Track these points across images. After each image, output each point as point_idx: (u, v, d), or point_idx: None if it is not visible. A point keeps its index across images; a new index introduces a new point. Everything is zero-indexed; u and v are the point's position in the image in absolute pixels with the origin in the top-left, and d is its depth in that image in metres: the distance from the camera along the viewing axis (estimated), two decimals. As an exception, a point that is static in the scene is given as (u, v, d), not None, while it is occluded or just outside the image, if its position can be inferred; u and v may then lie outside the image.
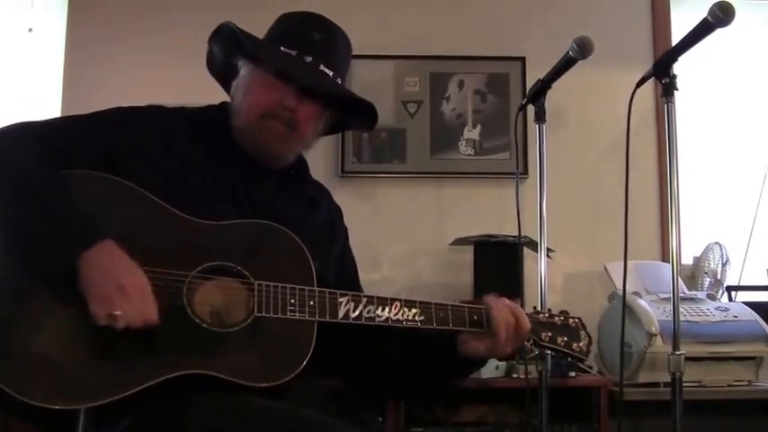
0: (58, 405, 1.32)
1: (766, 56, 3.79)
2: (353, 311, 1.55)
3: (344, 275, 1.80)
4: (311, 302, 1.51)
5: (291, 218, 1.66)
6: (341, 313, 1.53)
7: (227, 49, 1.70)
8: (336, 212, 1.88)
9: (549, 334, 1.69)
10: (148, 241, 1.48)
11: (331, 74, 1.68)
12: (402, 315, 1.57)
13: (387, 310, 1.57)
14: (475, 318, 1.61)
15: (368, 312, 1.55)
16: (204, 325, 1.44)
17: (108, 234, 1.41)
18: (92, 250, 1.38)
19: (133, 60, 3.48)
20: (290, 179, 1.76)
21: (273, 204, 1.69)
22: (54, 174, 1.46)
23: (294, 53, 1.65)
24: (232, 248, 1.52)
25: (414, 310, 1.58)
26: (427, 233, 3.50)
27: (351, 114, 1.80)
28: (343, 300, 1.54)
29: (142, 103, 1.72)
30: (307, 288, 1.52)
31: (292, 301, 1.50)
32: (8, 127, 1.56)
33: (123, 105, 1.69)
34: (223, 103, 1.75)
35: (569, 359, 1.77)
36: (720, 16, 1.87)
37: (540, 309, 1.78)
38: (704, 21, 1.91)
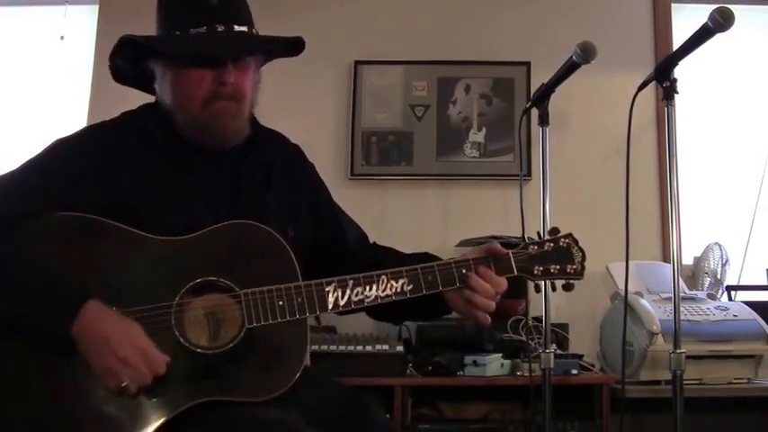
0: None
1: (765, 60, 3.79)
2: (342, 298, 1.52)
3: (325, 227, 1.77)
4: (299, 299, 1.49)
5: (257, 195, 1.65)
6: (330, 303, 1.51)
7: (136, 58, 1.64)
8: (296, 160, 1.82)
9: (541, 267, 1.62)
10: (125, 277, 1.46)
11: (246, 29, 1.60)
12: (390, 289, 1.54)
13: (375, 287, 1.53)
14: (464, 271, 1.58)
15: (356, 295, 1.52)
16: (199, 350, 1.43)
17: (89, 290, 1.40)
18: (81, 319, 1.37)
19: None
20: (244, 150, 1.69)
21: (238, 190, 1.64)
22: (12, 238, 1.42)
23: (204, 29, 1.56)
24: (211, 260, 1.49)
25: (401, 281, 1.54)
26: (433, 234, 3.51)
27: (279, 49, 1.73)
28: (330, 288, 1.51)
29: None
30: (293, 285, 1.49)
31: (281, 303, 1.48)
32: None
33: (59, 138, 1.62)
34: (153, 105, 1.69)
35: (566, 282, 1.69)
36: (720, 21, 1.88)
37: (530, 238, 1.70)
38: (704, 26, 1.93)
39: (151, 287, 1.46)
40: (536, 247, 1.64)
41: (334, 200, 1.85)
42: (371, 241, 1.86)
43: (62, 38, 3.68)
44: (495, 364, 2.82)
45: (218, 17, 1.56)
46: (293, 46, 1.72)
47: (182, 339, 1.43)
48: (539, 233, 1.69)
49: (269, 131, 1.80)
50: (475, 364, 2.81)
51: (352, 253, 1.76)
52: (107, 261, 1.47)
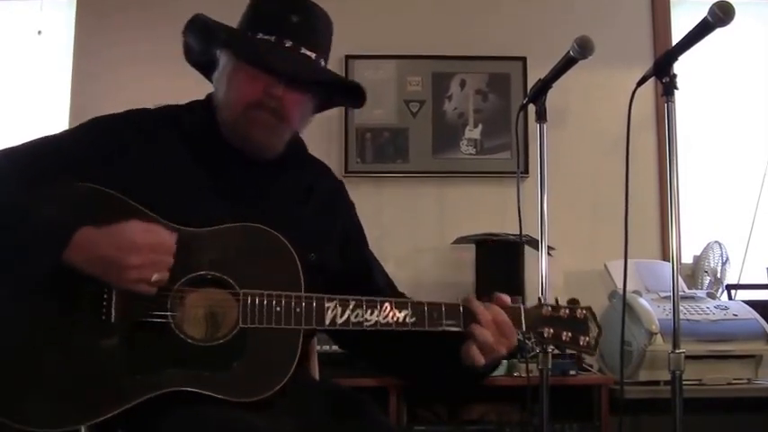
0: (59, 428, 1.37)
1: (766, 55, 3.79)
2: (341, 317, 1.50)
3: (352, 264, 1.75)
4: (297, 309, 1.47)
5: (285, 211, 1.63)
6: (328, 319, 1.49)
7: (204, 41, 1.65)
8: (337, 192, 1.83)
9: (552, 330, 1.56)
10: None
11: (313, 56, 1.59)
12: (392, 317, 1.51)
13: (375, 313, 1.51)
14: (469, 316, 1.53)
15: (355, 317, 1.50)
16: (190, 340, 1.43)
17: (79, 223, 1.38)
18: (70, 248, 1.36)
19: (141, 62, 3.49)
20: (284, 168, 1.69)
21: (266, 200, 1.64)
22: (22, 192, 1.42)
23: (272, 39, 1.56)
24: (218, 256, 1.49)
25: (404, 312, 1.51)
26: (429, 232, 3.50)
27: (338, 93, 1.74)
28: (331, 305, 1.50)
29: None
30: (293, 294, 1.48)
31: (278, 309, 1.47)
32: None
33: (100, 115, 1.63)
34: (209, 96, 1.69)
35: (575, 353, 1.66)
36: (720, 16, 1.86)
37: (545, 300, 1.65)
38: (704, 20, 1.91)
39: None
40: (550, 310, 1.58)
41: (368, 244, 1.84)
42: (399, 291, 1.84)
43: (39, 32, 3.63)
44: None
45: (291, 33, 1.57)
46: (354, 93, 1.71)
47: (173, 326, 1.43)
48: (557, 299, 1.64)
49: (316, 160, 1.83)
50: (470, 364, 2.78)
51: (378, 292, 1.70)
52: None
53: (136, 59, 3.50)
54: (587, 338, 1.56)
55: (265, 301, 1.47)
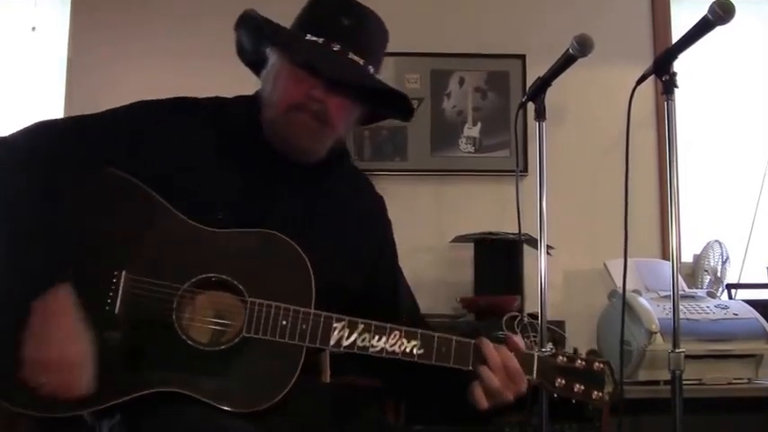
0: (56, 414, 1.38)
1: (766, 54, 3.77)
2: (347, 339, 1.46)
3: (378, 284, 1.71)
4: (303, 325, 1.44)
5: (315, 220, 1.61)
6: (333, 340, 1.45)
7: (254, 38, 1.61)
8: (375, 209, 1.79)
9: (564, 381, 1.50)
10: (148, 247, 1.46)
11: (361, 62, 1.55)
12: (399, 347, 1.46)
13: (383, 339, 1.46)
14: (480, 356, 1.48)
15: (362, 341, 1.46)
16: (190, 342, 1.41)
17: (67, 277, 1.38)
18: (41, 301, 1.35)
19: (136, 57, 3.48)
20: (322, 175, 1.65)
21: (297, 206, 1.61)
22: (44, 204, 1.42)
23: (320, 41, 1.52)
24: (233, 260, 1.47)
25: (413, 342, 1.47)
26: (428, 231, 3.49)
27: (385, 104, 1.67)
28: (338, 325, 1.46)
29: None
30: (301, 310, 1.45)
31: (284, 322, 1.43)
32: (29, 128, 1.54)
33: (146, 99, 1.63)
34: (257, 93, 1.65)
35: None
36: (720, 14, 1.85)
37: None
38: (704, 18, 1.90)
39: (168, 266, 1.45)
40: (565, 359, 1.52)
41: (398, 265, 1.81)
42: (420, 314, 1.81)
43: (33, 29, 3.62)
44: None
45: (341, 37, 1.53)
46: (400, 103, 1.65)
47: (177, 327, 1.42)
48: (575, 349, 1.59)
49: (359, 172, 1.80)
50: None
51: (396, 314, 1.69)
52: (133, 225, 1.47)
53: (131, 55, 3.49)
54: (600, 393, 1.51)
55: (272, 313, 1.44)
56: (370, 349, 1.46)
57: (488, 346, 1.48)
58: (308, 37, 1.53)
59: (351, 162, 1.78)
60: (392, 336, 1.47)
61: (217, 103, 1.65)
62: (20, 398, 1.36)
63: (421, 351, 1.47)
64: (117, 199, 1.48)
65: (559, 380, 1.50)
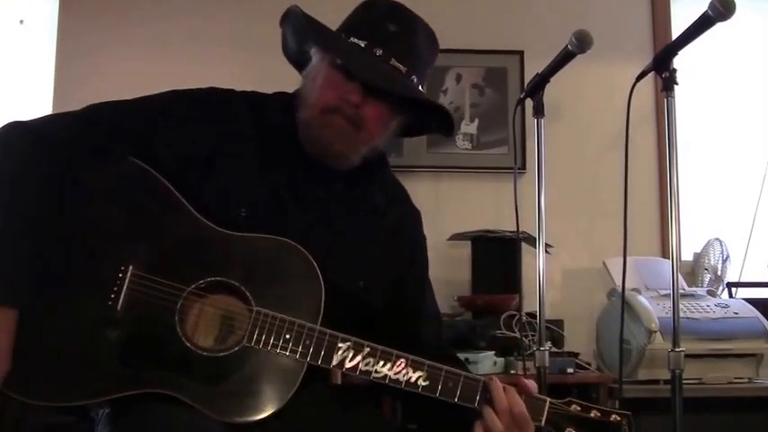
0: (56, 403, 1.38)
1: (767, 51, 3.77)
2: (350, 360, 1.41)
3: (401, 303, 1.67)
4: (307, 341, 1.40)
5: (343, 229, 1.58)
6: (335, 360, 1.41)
7: (298, 36, 1.59)
8: (410, 222, 1.75)
9: (573, 431, 1.42)
10: (159, 244, 1.45)
11: (404, 69, 1.51)
12: (403, 376, 1.41)
13: (388, 366, 1.41)
14: (487, 396, 1.42)
15: (365, 365, 1.41)
16: (189, 344, 1.39)
17: (22, 300, 1.36)
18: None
19: (125, 49, 3.46)
20: (355, 182, 1.62)
21: (324, 212, 1.58)
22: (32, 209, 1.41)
23: (363, 44, 1.50)
24: (243, 266, 1.44)
25: (419, 373, 1.41)
26: (424, 228, 3.46)
27: (425, 116, 1.63)
28: (343, 345, 1.41)
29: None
30: (307, 325, 1.41)
31: (287, 336, 1.40)
32: (57, 116, 1.53)
33: (178, 89, 1.60)
34: (296, 92, 1.63)
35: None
36: (721, 10, 1.84)
37: (573, 399, 1.47)
38: (704, 15, 1.89)
39: (175, 264, 1.43)
40: (579, 409, 1.44)
41: (429, 281, 1.79)
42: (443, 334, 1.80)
43: (21, 22, 3.61)
44: (487, 362, 2.78)
45: (384, 42, 1.51)
46: (441, 116, 1.61)
47: (178, 328, 1.40)
48: (593, 397, 1.53)
49: (396, 183, 1.76)
50: (467, 361, 2.76)
51: (418, 340, 1.66)
52: (148, 219, 1.47)
53: (119, 48, 3.47)
54: None
55: (277, 325, 1.41)
56: (373, 374, 1.42)
57: (497, 388, 1.41)
58: (352, 40, 1.52)
59: (389, 172, 1.74)
60: (397, 363, 1.42)
61: (254, 97, 1.63)
62: (20, 386, 1.36)
63: (426, 383, 1.42)
64: (135, 191, 1.47)
65: (569, 429, 1.43)
